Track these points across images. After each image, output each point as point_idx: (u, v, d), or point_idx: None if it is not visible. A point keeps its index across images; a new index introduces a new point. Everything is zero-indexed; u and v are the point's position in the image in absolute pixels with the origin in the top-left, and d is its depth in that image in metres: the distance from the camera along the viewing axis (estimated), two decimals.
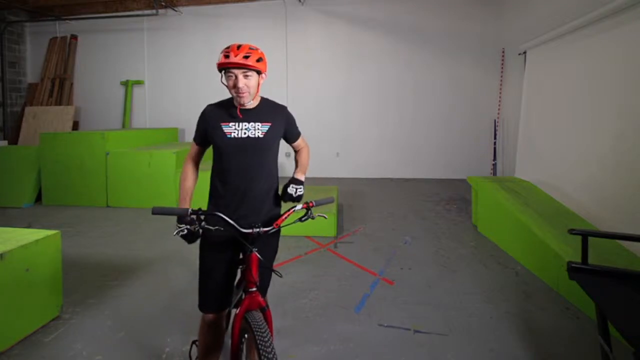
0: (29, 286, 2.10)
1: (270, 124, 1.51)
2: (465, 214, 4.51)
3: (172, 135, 7.02)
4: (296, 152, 1.72)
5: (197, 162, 1.63)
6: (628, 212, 2.75)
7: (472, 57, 6.59)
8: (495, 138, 6.32)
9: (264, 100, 1.57)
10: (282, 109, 1.59)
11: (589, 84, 3.39)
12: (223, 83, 1.45)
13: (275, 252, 1.63)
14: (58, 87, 7.53)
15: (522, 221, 3.11)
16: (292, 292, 2.60)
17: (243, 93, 1.41)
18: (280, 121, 1.55)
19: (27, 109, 7.24)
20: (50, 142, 5.22)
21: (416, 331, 2.15)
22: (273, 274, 1.51)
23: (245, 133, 1.47)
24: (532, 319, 2.28)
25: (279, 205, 1.61)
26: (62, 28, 7.74)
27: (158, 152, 5.02)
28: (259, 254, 1.38)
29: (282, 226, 1.45)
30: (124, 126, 7.48)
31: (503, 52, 6.28)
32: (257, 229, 1.36)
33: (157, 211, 1.26)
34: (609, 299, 1.46)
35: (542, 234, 2.83)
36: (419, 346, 2.01)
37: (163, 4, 7.05)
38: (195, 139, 1.60)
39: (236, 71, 1.39)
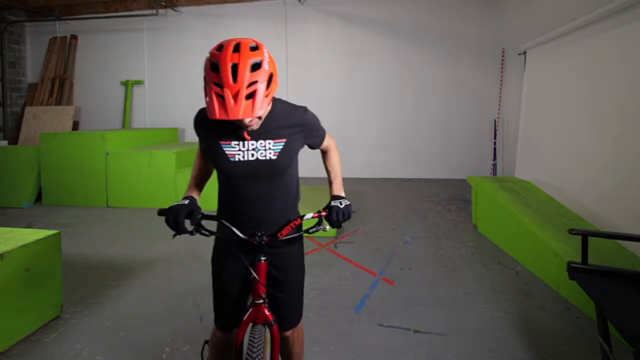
0: (29, 286, 2.10)
1: (284, 140, 1.20)
2: (465, 214, 4.51)
3: (172, 135, 7.02)
4: (323, 154, 1.43)
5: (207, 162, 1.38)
6: (628, 212, 2.75)
7: (472, 57, 6.59)
8: (495, 138, 6.32)
9: (276, 107, 1.21)
10: (298, 118, 1.24)
11: (589, 84, 3.39)
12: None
13: (300, 270, 1.41)
14: (58, 87, 7.52)
15: (522, 221, 3.10)
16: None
17: (251, 124, 1.09)
18: (298, 135, 1.24)
19: (27, 109, 7.24)
20: (50, 142, 5.22)
21: (416, 331, 2.15)
22: (299, 298, 1.40)
23: (253, 155, 1.17)
24: (532, 319, 2.28)
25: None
26: (62, 28, 7.74)
27: (158, 152, 5.02)
28: (276, 271, 1.30)
29: (288, 237, 1.27)
30: (124, 126, 7.48)
31: (503, 52, 6.28)
32: (260, 238, 1.23)
33: (161, 212, 1.20)
34: (609, 299, 1.46)
35: (542, 234, 2.83)
36: (419, 346, 2.01)
37: (163, 4, 7.05)
38: (199, 146, 1.36)
39: None
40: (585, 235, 1.65)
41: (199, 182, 1.34)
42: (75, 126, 7.49)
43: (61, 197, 5.18)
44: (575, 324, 2.23)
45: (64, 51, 7.69)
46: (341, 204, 1.24)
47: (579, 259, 1.65)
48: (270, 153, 1.18)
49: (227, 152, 1.18)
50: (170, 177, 4.94)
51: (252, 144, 1.17)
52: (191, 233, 1.19)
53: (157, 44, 7.47)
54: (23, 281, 2.06)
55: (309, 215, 1.26)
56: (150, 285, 2.75)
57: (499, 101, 6.39)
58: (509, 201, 3.47)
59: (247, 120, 1.05)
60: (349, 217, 1.24)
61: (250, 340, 1.17)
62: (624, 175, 2.84)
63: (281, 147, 1.19)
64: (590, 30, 3.40)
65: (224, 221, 1.23)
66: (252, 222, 1.26)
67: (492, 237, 3.64)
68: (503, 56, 6.29)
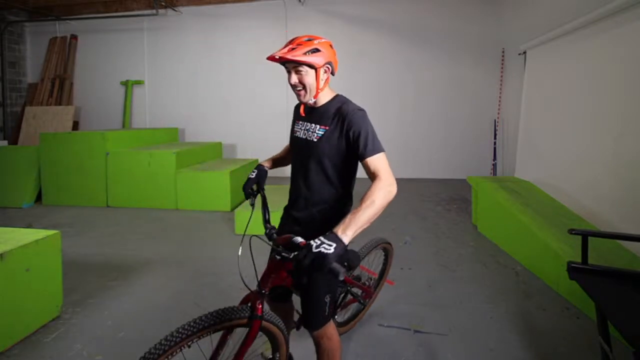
0: (29, 286, 2.10)
1: (327, 128, 1.34)
2: (465, 214, 4.51)
3: (172, 135, 7.02)
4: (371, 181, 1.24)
5: None
6: (628, 212, 2.75)
7: (472, 57, 6.59)
8: (495, 138, 6.32)
9: (336, 100, 1.41)
10: (344, 112, 1.31)
11: (589, 84, 3.39)
12: None
13: (321, 275, 1.30)
14: (58, 87, 7.52)
15: (522, 221, 3.10)
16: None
17: (298, 90, 1.34)
18: (337, 127, 1.32)
19: (27, 109, 7.24)
20: (50, 142, 5.21)
21: (416, 331, 2.15)
22: (316, 301, 1.36)
23: (305, 134, 1.39)
24: (532, 319, 2.28)
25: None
26: (62, 28, 7.74)
27: (158, 152, 5.01)
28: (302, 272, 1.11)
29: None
30: (124, 126, 7.48)
31: (503, 52, 6.28)
32: (270, 231, 1.31)
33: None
34: (609, 299, 1.46)
35: (542, 234, 2.83)
36: (419, 346, 2.01)
37: (163, 4, 7.05)
38: None
39: (288, 66, 1.32)
40: (585, 235, 1.65)
41: (278, 157, 1.66)
42: (75, 126, 7.49)
43: (61, 197, 5.17)
44: (575, 324, 2.23)
45: (64, 51, 7.69)
46: (316, 247, 0.91)
47: (579, 259, 1.66)
48: (314, 135, 1.36)
49: (295, 128, 1.47)
50: (170, 177, 4.94)
51: (307, 125, 1.40)
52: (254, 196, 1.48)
53: (157, 44, 7.46)
54: (23, 281, 2.06)
55: (298, 239, 1.08)
56: (150, 285, 2.75)
57: (499, 101, 6.39)
58: (509, 201, 3.46)
59: (292, 80, 1.30)
60: (319, 268, 0.89)
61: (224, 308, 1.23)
62: (624, 175, 2.84)
63: (323, 132, 1.34)
64: (590, 30, 3.40)
65: (267, 205, 1.45)
66: (293, 191, 1.46)
67: (492, 237, 3.64)
68: (503, 56, 6.29)
